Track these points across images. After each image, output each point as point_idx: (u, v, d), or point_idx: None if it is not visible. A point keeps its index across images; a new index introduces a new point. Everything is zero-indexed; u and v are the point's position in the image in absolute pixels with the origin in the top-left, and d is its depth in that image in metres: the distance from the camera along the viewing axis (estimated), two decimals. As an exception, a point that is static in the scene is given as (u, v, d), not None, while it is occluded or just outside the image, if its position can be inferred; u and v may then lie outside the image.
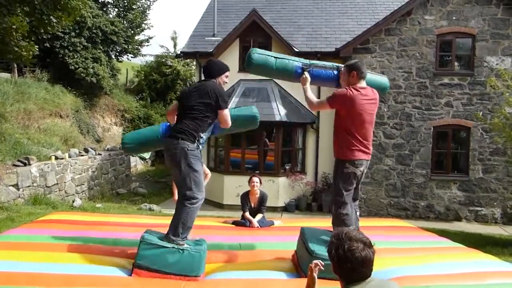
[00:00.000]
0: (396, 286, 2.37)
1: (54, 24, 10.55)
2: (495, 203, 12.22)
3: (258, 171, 12.70)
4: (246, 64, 4.68)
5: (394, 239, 5.35)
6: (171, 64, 23.96)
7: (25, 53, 10.82)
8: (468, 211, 12.22)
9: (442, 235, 6.41)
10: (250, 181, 6.29)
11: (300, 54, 13.13)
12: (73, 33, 17.20)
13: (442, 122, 12.37)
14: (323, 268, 2.65)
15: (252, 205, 6.25)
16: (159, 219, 6.41)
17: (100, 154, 14.55)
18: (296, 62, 4.62)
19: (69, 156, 12.67)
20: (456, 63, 12.72)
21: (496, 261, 4.53)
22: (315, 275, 2.63)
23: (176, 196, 7.08)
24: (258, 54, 4.60)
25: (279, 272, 4.12)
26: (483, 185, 12.26)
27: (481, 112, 11.50)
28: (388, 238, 5.36)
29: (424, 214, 12.37)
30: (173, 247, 3.81)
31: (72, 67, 17.24)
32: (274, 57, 4.62)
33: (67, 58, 17.18)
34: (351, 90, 4.03)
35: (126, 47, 20.95)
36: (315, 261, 2.69)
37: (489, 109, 12.03)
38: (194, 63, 16.93)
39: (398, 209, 12.55)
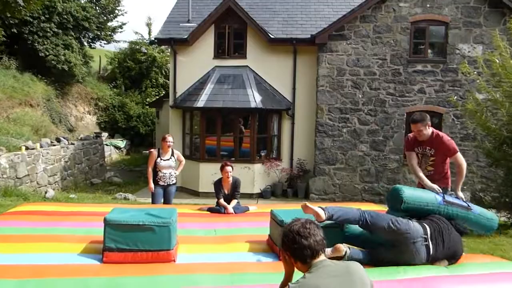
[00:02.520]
0: (358, 265, 2.39)
1: (22, 8, 10.19)
2: (464, 187, 12.50)
3: (233, 158, 12.71)
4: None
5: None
6: (146, 51, 23.59)
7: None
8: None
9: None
10: (223, 170, 6.28)
11: (275, 41, 13.12)
12: (42, 18, 16.66)
13: (415, 108, 12.55)
14: None
15: (226, 191, 6.26)
16: (134, 207, 6.34)
17: (73, 144, 14.26)
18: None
19: (41, 146, 12.37)
20: (429, 51, 12.89)
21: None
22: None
23: (151, 185, 7.08)
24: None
25: (254, 254, 4.15)
26: (453, 170, 12.50)
27: (455, 97, 11.72)
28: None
29: (398, 199, 12.57)
30: (139, 224, 3.78)
31: (42, 54, 16.77)
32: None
33: (36, 44, 16.68)
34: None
35: (98, 33, 20.52)
36: None
37: (461, 96, 12.27)
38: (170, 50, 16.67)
39: (372, 194, 12.75)
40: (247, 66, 13.45)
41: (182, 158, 7.55)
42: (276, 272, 3.23)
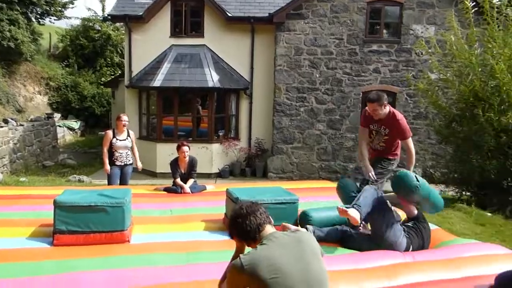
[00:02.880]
0: (309, 235, 2.45)
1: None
2: (417, 164, 12.96)
3: (191, 139, 12.58)
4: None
5: (322, 199, 5.55)
6: (99, 28, 22.72)
7: None
8: (393, 172, 12.91)
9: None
10: (179, 150, 6.20)
11: (233, 19, 12.95)
12: (-16, -9, 15.65)
13: (370, 87, 12.79)
14: None
15: (182, 171, 6.21)
16: (87, 189, 6.17)
17: (23, 125, 13.64)
18: None
19: (-13, 127, 11.78)
20: (384, 31, 13.12)
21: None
22: None
23: (107, 166, 6.89)
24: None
25: (210, 233, 4.16)
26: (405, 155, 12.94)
27: (411, 74, 12.01)
28: (317, 198, 5.55)
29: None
30: (91, 205, 3.70)
31: (-14, 30, 15.80)
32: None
33: (-21, 20, 15.69)
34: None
35: (47, 8, 19.44)
36: None
37: (414, 75, 12.60)
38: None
39: (329, 172, 13.00)
40: (204, 45, 13.23)
41: (135, 140, 7.30)
42: (232, 250, 3.24)
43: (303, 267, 2.22)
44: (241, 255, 2.26)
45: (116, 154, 6.92)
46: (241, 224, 2.37)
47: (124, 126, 6.94)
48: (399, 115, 4.83)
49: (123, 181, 7.07)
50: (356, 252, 3.75)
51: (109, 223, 3.70)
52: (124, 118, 6.98)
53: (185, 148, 6.19)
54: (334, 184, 6.86)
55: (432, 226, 4.51)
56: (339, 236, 3.98)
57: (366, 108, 4.91)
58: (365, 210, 3.77)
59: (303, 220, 4.20)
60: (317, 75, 12.75)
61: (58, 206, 3.67)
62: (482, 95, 8.23)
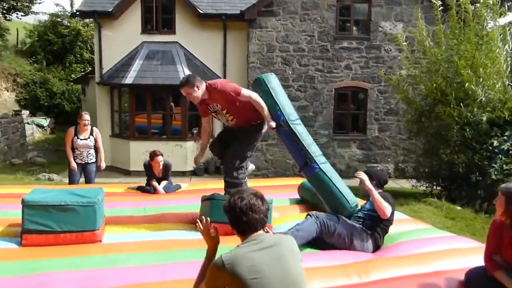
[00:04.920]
0: (290, 238, 2.48)
1: None
2: (389, 159, 13.26)
3: (165, 136, 12.49)
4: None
5: (297, 196, 5.60)
6: (68, 24, 22.24)
7: None
8: (366, 167, 13.11)
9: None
10: (153, 160, 6.00)
11: (205, 16, 12.88)
12: None
13: (342, 84, 12.97)
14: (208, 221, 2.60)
15: (157, 174, 6.10)
16: (57, 188, 6.05)
17: (-11, 123, 13.27)
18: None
19: (-49, 126, 11.39)
20: (354, 28, 13.30)
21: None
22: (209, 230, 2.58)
23: (73, 164, 6.73)
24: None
25: (184, 231, 4.14)
26: (378, 143, 13.22)
27: (383, 71, 12.17)
28: (291, 196, 5.60)
29: (327, 172, 13.04)
30: (61, 204, 3.63)
31: (-51, 25, 15.29)
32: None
33: None
34: None
35: (14, 3, 18.98)
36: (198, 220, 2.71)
37: (384, 72, 12.82)
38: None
39: (303, 168, 13.09)
40: (176, 42, 13.12)
41: (100, 139, 6.99)
42: (206, 249, 3.25)
43: (281, 269, 2.24)
44: (222, 253, 2.26)
45: (77, 152, 6.73)
46: (248, 217, 2.30)
47: (85, 125, 6.69)
48: (218, 83, 4.33)
49: (87, 180, 6.91)
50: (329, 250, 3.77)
51: (80, 223, 3.64)
52: (85, 117, 6.71)
53: (159, 158, 5.98)
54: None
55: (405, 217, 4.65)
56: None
57: None
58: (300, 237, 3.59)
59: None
60: (290, 72, 12.83)
61: (27, 205, 3.59)
62: (448, 91, 8.45)
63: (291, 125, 4.34)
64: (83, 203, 3.67)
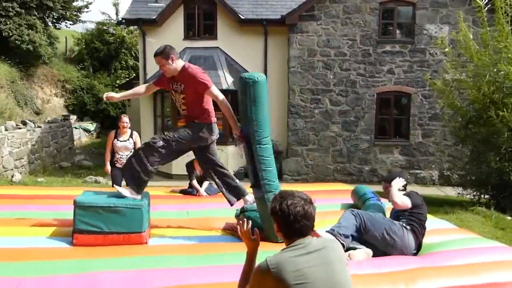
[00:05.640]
0: (337, 243, 2.45)
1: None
2: (433, 166, 12.89)
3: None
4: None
5: (337, 201, 5.53)
6: (113, 31, 22.98)
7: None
8: (409, 174, 12.81)
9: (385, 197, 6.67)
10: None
11: (246, 22, 13.00)
12: (3, -3, 15.98)
13: (384, 89, 12.75)
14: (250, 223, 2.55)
15: (198, 173, 6.22)
16: (105, 190, 6.24)
17: (40, 127, 13.87)
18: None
19: (6, 129, 11.99)
20: (397, 31, 13.06)
21: (433, 219, 4.80)
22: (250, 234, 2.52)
23: (108, 166, 6.86)
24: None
25: (226, 235, 4.18)
26: (422, 149, 12.88)
27: (427, 75, 11.87)
28: (332, 201, 5.54)
29: (368, 178, 12.86)
30: (110, 206, 3.74)
31: (6, 34, 16.12)
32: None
33: (-1, 25, 16.02)
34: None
35: (63, 13, 19.76)
36: (239, 221, 2.61)
37: (429, 76, 12.51)
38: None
39: (344, 174, 12.96)
40: (217, 47, 13.31)
41: (139, 142, 7.18)
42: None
43: (328, 274, 2.19)
44: (267, 257, 2.24)
45: (117, 156, 6.78)
46: (295, 218, 2.23)
47: (124, 127, 6.79)
48: (194, 67, 4.16)
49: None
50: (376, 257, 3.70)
51: (127, 225, 3.74)
52: (125, 119, 6.83)
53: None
54: (349, 186, 6.87)
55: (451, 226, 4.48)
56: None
57: None
58: (344, 232, 3.62)
59: None
60: (331, 77, 12.73)
61: (78, 206, 3.73)
62: (497, 97, 8.12)
63: (254, 146, 4.21)
64: (130, 206, 3.78)
